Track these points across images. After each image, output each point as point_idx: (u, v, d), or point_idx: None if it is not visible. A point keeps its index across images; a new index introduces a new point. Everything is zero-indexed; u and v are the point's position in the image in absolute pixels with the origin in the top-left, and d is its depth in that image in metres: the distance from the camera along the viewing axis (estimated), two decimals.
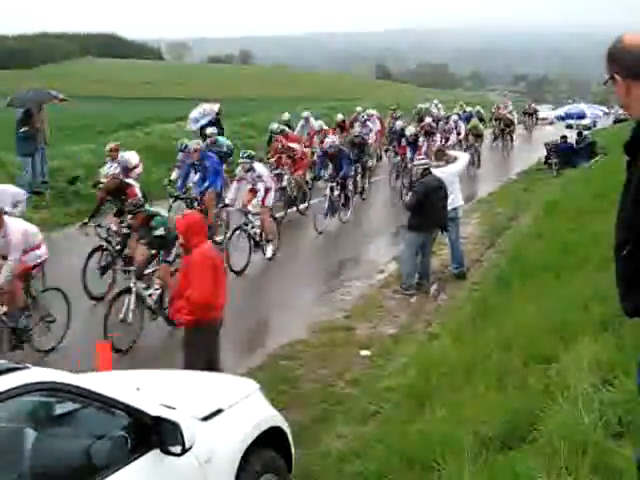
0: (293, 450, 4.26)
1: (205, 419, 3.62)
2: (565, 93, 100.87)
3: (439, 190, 9.72)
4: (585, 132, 24.44)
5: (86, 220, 9.31)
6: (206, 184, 11.44)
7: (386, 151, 20.15)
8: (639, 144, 2.43)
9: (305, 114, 18.69)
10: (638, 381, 2.36)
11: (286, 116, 18.87)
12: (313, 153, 16.86)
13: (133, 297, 7.59)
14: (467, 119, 23.47)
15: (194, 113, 17.76)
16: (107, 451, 2.96)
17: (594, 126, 33.58)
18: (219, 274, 5.76)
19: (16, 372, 2.81)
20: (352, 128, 19.39)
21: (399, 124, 18.96)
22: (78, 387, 2.97)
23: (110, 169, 9.41)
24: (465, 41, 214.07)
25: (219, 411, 3.75)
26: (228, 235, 10.79)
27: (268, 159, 14.97)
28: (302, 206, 14.25)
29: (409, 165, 16.00)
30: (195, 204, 11.28)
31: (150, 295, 7.93)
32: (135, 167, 12.05)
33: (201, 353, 5.74)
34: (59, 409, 3.13)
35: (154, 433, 3.13)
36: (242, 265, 10.32)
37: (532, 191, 17.46)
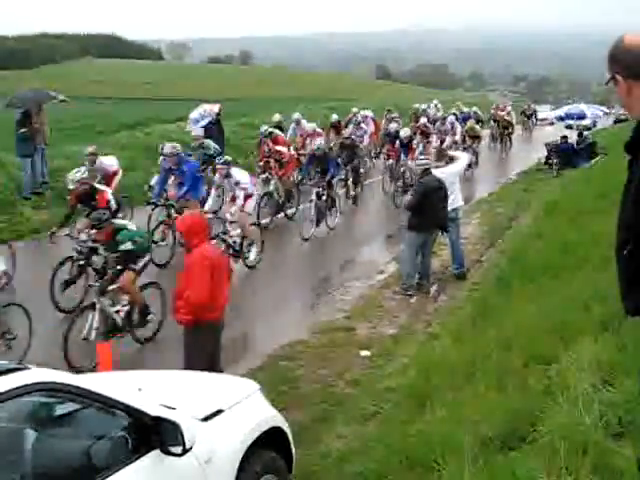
0: (293, 450, 4.26)
1: (205, 419, 3.62)
2: (565, 93, 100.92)
3: (439, 190, 9.71)
4: (585, 132, 24.43)
5: (54, 229, 8.86)
6: (183, 190, 10.90)
7: (378, 154, 19.59)
8: None
9: (295, 116, 18.17)
10: None
11: (277, 117, 18.45)
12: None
13: (97, 314, 7.09)
14: (464, 120, 23.30)
15: (194, 114, 17.74)
16: (107, 451, 2.96)
17: (594, 126, 33.59)
18: (219, 275, 5.73)
19: (16, 372, 2.81)
20: (346, 129, 18.98)
21: (393, 126, 18.52)
22: (78, 387, 2.97)
23: (78, 174, 8.72)
24: (465, 41, 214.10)
25: (219, 411, 3.75)
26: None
27: (257, 162, 14.64)
28: (290, 211, 13.78)
29: (402, 168, 15.81)
30: (173, 211, 10.73)
31: (117, 312, 7.43)
32: (115, 173, 11.68)
33: (201, 353, 5.73)
34: (59, 409, 3.14)
35: (154, 433, 3.13)
36: None
37: (532, 191, 17.45)
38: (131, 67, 76.84)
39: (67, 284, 8.36)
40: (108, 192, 8.89)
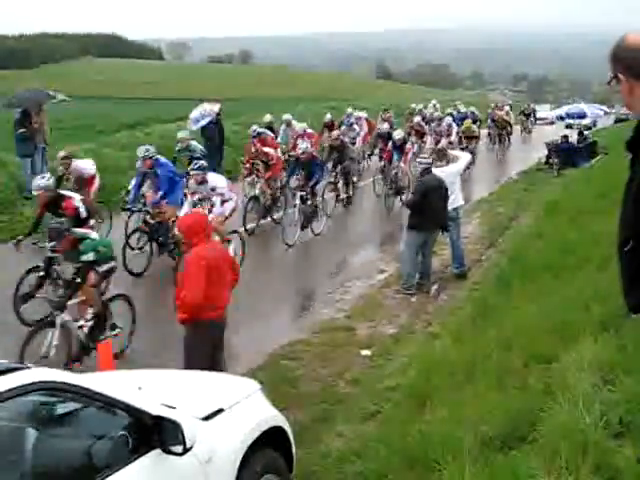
0: (294, 450, 4.27)
1: (206, 419, 3.62)
2: (565, 93, 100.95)
3: (439, 189, 9.72)
4: (585, 132, 24.43)
5: (21, 237, 8.35)
6: (159, 195, 10.41)
7: (369, 155, 19.24)
8: None
9: (285, 117, 17.79)
10: None
11: (268, 118, 18.13)
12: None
13: (57, 331, 6.58)
14: (461, 120, 23.07)
15: (194, 113, 17.73)
16: (108, 451, 2.97)
17: (594, 126, 33.58)
18: (218, 275, 5.71)
19: (17, 372, 2.81)
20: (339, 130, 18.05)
21: (384, 127, 18.16)
22: (79, 387, 2.97)
23: (43, 180, 8.11)
24: (465, 41, 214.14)
25: (220, 411, 3.75)
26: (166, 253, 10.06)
27: (244, 164, 14.31)
28: (277, 215, 13.33)
29: (393, 170, 15.44)
30: (148, 217, 10.31)
31: (80, 327, 6.96)
32: (93, 177, 11.27)
33: (200, 353, 5.73)
34: (60, 409, 3.14)
35: (155, 433, 3.13)
36: None
37: (532, 191, 17.45)
38: (131, 67, 76.91)
39: (25, 297, 7.74)
40: (75, 199, 8.35)
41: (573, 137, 22.61)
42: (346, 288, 9.96)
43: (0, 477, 2.91)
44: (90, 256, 6.96)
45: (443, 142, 19.19)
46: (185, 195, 10.56)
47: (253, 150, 13.89)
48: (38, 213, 8.71)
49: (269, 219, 13.15)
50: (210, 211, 9.69)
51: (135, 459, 3.08)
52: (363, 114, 20.91)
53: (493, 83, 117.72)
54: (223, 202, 9.91)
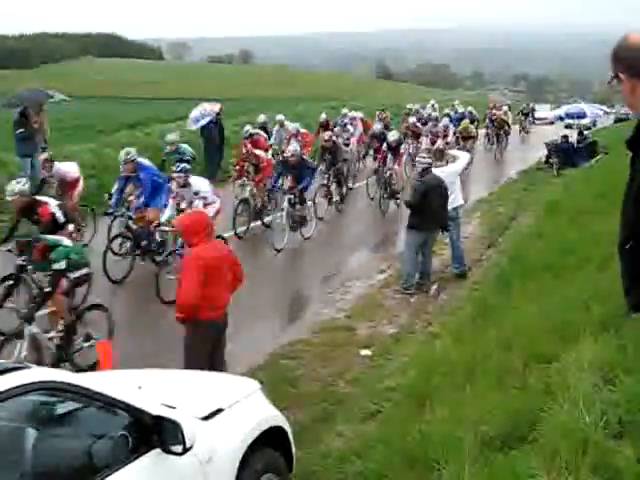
0: (294, 449, 4.27)
1: (206, 418, 3.62)
2: (565, 92, 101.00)
3: (439, 189, 9.72)
4: (585, 132, 24.43)
5: None
6: (141, 199, 10.15)
7: (364, 156, 18.81)
8: None
9: (279, 117, 17.35)
10: None
11: (262, 118, 17.83)
12: None
13: (26, 342, 6.33)
14: (459, 120, 22.95)
15: (195, 113, 17.74)
16: (108, 450, 2.97)
17: (594, 126, 33.58)
18: (217, 275, 5.69)
19: (17, 372, 2.81)
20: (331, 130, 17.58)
21: (378, 127, 17.79)
22: (79, 386, 2.97)
23: (18, 185, 7.68)
24: (465, 41, 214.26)
25: (220, 410, 3.75)
26: (161, 259, 9.53)
27: (234, 166, 14.04)
28: (267, 218, 12.95)
29: (387, 173, 15.02)
30: (131, 222, 9.98)
31: (51, 339, 6.69)
32: (76, 180, 10.98)
33: (198, 352, 5.74)
34: (60, 408, 3.14)
35: (155, 432, 3.13)
36: (173, 296, 8.82)
37: (532, 191, 17.45)
38: (131, 66, 76.97)
39: None
40: (51, 204, 8.08)
41: (573, 137, 22.60)
42: (346, 288, 9.96)
43: (0, 477, 2.91)
44: (62, 264, 6.67)
45: (439, 143, 18.96)
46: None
47: (244, 152, 13.53)
48: (16, 219, 8.43)
49: (259, 222, 12.80)
50: None
51: (135, 459, 3.08)
52: (358, 114, 20.48)
53: (493, 83, 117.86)
54: (206, 205, 9.52)
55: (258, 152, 13.51)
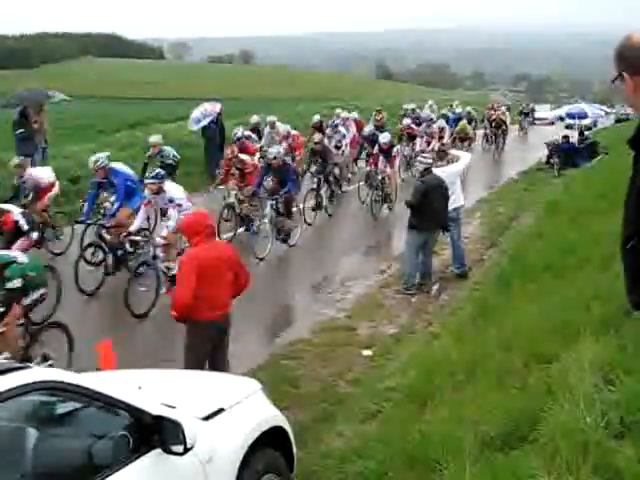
0: (295, 450, 4.27)
1: (206, 419, 3.62)
2: (566, 92, 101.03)
3: (440, 189, 9.73)
4: (586, 132, 24.42)
5: None
6: (115, 206, 9.74)
7: (355, 159, 18.22)
8: None
9: (270, 118, 16.66)
10: None
11: (254, 119, 17.42)
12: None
13: None
14: (456, 120, 22.65)
15: (195, 113, 17.72)
16: (109, 450, 2.96)
17: (594, 126, 33.54)
18: (213, 275, 5.68)
19: (18, 372, 2.81)
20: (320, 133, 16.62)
21: (369, 129, 17.26)
22: (80, 386, 2.97)
23: None
24: (465, 41, 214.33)
25: (220, 410, 3.75)
26: (133, 269, 9.07)
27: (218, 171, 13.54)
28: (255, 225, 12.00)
29: (379, 176, 14.54)
30: (104, 231, 9.55)
31: None
32: (51, 186, 10.68)
33: (196, 352, 5.77)
34: (61, 408, 3.14)
35: (156, 432, 3.13)
36: (144, 309, 8.49)
37: (533, 191, 17.44)
38: (131, 66, 77.01)
39: None
40: (14, 212, 7.79)
41: (574, 137, 22.59)
42: (347, 288, 9.96)
43: (1, 477, 2.91)
44: (16, 283, 6.15)
45: (434, 144, 18.55)
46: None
47: (229, 155, 12.89)
48: None
49: (244, 229, 12.12)
50: (167, 224, 9.08)
51: (135, 459, 3.07)
52: (353, 115, 19.75)
53: (494, 83, 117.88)
54: (180, 213, 9.02)
55: (243, 156, 12.96)
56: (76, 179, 13.83)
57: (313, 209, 13.63)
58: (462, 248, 10.52)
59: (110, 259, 9.39)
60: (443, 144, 18.43)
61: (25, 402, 2.97)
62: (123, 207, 9.78)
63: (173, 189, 9.40)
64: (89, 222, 10.02)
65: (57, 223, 11.09)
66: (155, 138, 13.34)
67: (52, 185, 10.76)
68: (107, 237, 9.51)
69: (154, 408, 3.22)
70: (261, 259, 10.93)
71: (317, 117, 18.83)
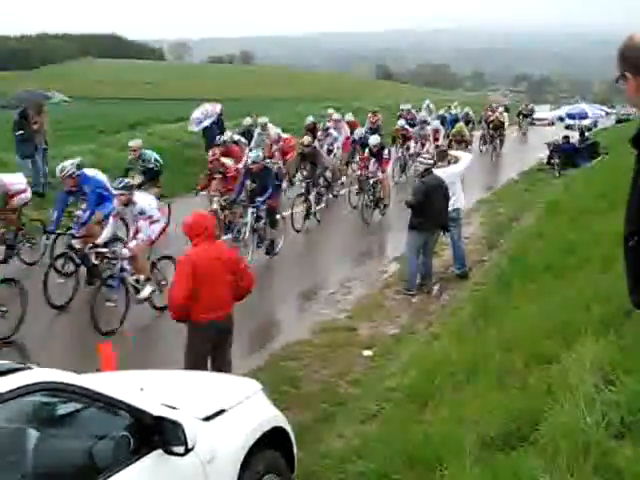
0: (295, 450, 4.27)
1: (207, 419, 3.62)
2: (566, 93, 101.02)
3: (440, 190, 9.73)
4: (586, 132, 24.39)
5: None
6: (86, 215, 9.29)
7: (347, 163, 17.37)
8: None
9: (261, 120, 16.03)
10: None
11: (247, 121, 16.96)
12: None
13: None
14: (452, 122, 22.13)
15: (196, 114, 17.72)
16: (109, 451, 2.97)
17: (595, 126, 33.51)
18: (210, 276, 5.69)
19: (19, 372, 2.81)
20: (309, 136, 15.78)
21: (359, 132, 16.65)
22: (81, 387, 2.98)
23: None
24: (465, 41, 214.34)
25: (221, 411, 3.75)
26: (97, 283, 8.46)
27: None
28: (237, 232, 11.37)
29: (371, 180, 14.07)
30: (74, 241, 9.06)
31: None
32: (22, 192, 10.26)
33: (195, 352, 5.81)
34: (62, 409, 3.14)
35: (156, 433, 3.13)
36: (112, 326, 7.97)
37: (533, 191, 17.43)
38: (132, 67, 77.03)
39: None
40: None
41: (574, 138, 22.57)
42: (347, 289, 9.95)
43: (2, 478, 2.91)
44: None
45: (428, 147, 18.04)
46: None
47: (211, 158, 12.32)
48: None
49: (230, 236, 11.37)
50: (135, 237, 8.51)
51: (137, 460, 3.08)
52: (348, 116, 19.11)
53: (494, 84, 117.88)
54: (153, 224, 8.64)
55: (225, 160, 12.42)
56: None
57: (304, 216, 13.17)
58: (462, 248, 10.52)
59: (80, 271, 8.92)
60: (438, 146, 18.13)
61: (26, 403, 2.98)
62: (95, 215, 9.30)
63: (144, 200, 8.78)
64: (58, 232, 9.53)
65: (30, 232, 10.58)
66: (134, 142, 12.75)
67: (22, 192, 10.30)
68: (77, 247, 9.04)
69: (155, 409, 3.22)
70: None
71: (310, 118, 18.31)
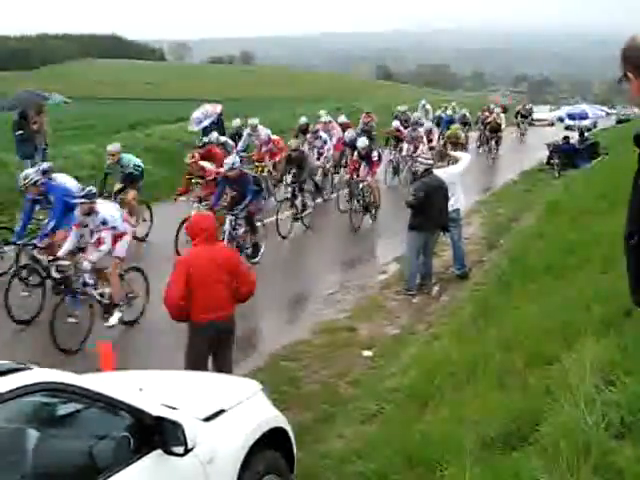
0: (295, 450, 4.27)
1: (207, 420, 3.62)
2: (566, 93, 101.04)
3: (440, 190, 9.73)
4: (586, 133, 24.38)
5: None
6: (51, 224, 8.76)
7: (335, 166, 16.63)
8: None
9: (251, 121, 15.48)
10: None
11: (237, 122, 16.73)
12: (263, 170, 14.34)
13: None
14: (448, 123, 21.75)
15: (196, 114, 17.72)
16: (110, 451, 2.97)
17: (594, 127, 33.50)
18: (207, 277, 5.70)
19: (19, 372, 2.81)
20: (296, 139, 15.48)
21: (350, 134, 15.98)
22: (81, 387, 2.98)
23: None
24: (465, 41, 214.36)
25: (221, 412, 3.75)
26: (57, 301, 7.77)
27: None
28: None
29: (360, 184, 13.64)
30: (36, 252, 8.62)
31: None
32: None
33: (194, 352, 5.83)
34: (62, 409, 3.14)
35: (156, 433, 3.14)
36: (74, 343, 7.42)
37: (533, 192, 17.43)
38: (132, 67, 77.05)
39: None
40: None
41: (574, 138, 22.56)
42: (347, 289, 9.95)
43: (2, 478, 2.91)
44: None
45: (421, 149, 17.50)
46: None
47: (189, 161, 11.81)
48: None
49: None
50: (98, 248, 7.99)
51: (136, 460, 3.08)
52: (341, 118, 18.75)
53: (494, 84, 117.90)
54: (117, 236, 8.17)
55: (204, 164, 11.95)
56: (76, 180, 13.76)
57: (291, 222, 12.73)
58: (462, 249, 10.52)
59: (47, 283, 8.41)
60: (432, 148, 17.95)
61: (26, 403, 2.97)
62: (61, 230, 8.75)
63: (107, 210, 8.27)
64: (19, 243, 8.96)
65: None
66: (112, 147, 11.99)
67: None
68: (40, 258, 8.56)
69: (155, 409, 3.22)
70: None
71: (304, 119, 17.83)
